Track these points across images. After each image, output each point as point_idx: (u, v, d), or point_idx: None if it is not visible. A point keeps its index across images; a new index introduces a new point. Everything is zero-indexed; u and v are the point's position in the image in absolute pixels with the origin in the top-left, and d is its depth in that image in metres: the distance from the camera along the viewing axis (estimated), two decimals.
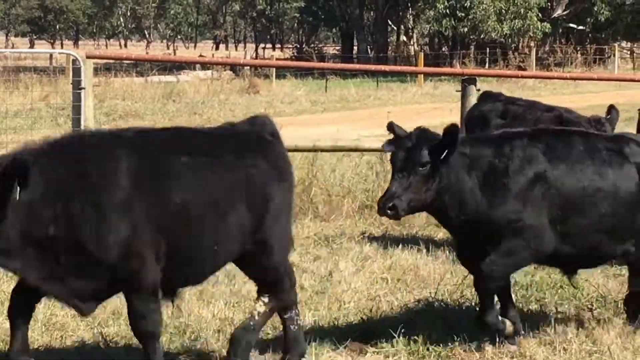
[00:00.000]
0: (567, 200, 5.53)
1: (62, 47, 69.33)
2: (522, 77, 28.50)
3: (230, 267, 5.71)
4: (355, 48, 54.91)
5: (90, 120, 10.73)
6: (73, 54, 12.78)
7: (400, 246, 8.95)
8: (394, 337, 5.84)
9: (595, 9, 46.01)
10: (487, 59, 46.25)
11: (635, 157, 5.80)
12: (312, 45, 64.78)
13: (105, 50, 61.68)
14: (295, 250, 7.76)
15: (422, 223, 9.96)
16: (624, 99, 22.55)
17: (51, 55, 36.82)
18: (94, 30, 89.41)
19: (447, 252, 8.61)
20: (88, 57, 11.57)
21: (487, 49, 46.56)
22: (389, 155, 5.80)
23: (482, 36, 45.29)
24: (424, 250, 8.91)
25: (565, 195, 5.53)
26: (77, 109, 10.71)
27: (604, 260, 6.12)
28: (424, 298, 7.09)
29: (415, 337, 5.84)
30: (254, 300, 5.48)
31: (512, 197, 5.46)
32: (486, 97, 9.79)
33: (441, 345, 5.82)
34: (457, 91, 12.90)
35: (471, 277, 6.03)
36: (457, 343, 5.69)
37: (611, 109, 9.31)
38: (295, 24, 72.17)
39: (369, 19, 55.15)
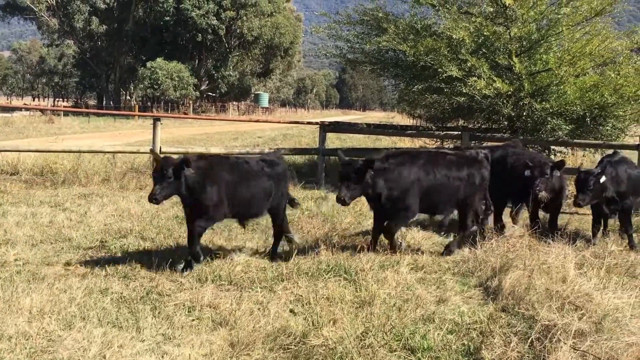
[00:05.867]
0: None
1: None
2: (186, 117, 43.47)
3: None
4: (104, 102, 78.86)
5: None
6: None
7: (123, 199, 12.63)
8: None
9: (219, 86, 77.25)
10: (169, 109, 69.54)
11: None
12: (83, 100, 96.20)
13: None
14: (69, 200, 12.49)
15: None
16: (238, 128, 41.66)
17: None
18: None
19: None
20: None
21: (169, 104, 70.93)
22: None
23: (166, 97, 69.28)
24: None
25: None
26: None
27: None
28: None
29: None
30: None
31: None
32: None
33: None
34: (150, 123, 16.31)
35: None
36: None
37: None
38: (75, 88, 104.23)
39: (110, 88, 79.71)
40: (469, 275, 8.18)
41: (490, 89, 14.67)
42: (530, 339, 5.74)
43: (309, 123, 22.91)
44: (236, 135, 36.46)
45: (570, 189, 12.28)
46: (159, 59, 68.20)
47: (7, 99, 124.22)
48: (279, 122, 36.42)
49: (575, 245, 9.17)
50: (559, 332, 5.68)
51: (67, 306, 6.46)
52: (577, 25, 15.68)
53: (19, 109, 54.10)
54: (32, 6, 73.45)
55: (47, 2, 73.89)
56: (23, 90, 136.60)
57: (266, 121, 34.61)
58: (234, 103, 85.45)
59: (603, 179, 9.66)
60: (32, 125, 38.45)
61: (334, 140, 26.31)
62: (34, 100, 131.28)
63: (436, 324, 6.26)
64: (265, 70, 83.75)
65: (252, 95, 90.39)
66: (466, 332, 6.12)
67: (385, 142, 22.78)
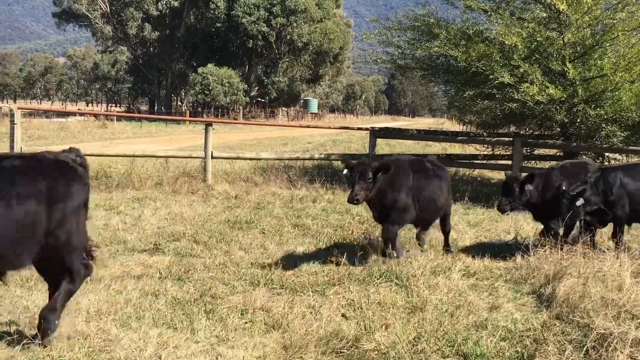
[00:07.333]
0: None
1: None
2: (236, 123, 45.44)
3: None
4: (156, 108, 79.10)
5: (18, 141, 14.17)
6: (10, 107, 16.31)
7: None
8: None
9: (268, 92, 76.31)
10: (219, 114, 69.84)
11: None
12: (135, 105, 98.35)
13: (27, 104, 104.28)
14: (123, 203, 12.51)
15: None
16: (287, 134, 42.50)
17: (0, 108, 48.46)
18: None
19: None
20: (19, 108, 15.33)
21: (219, 109, 71.07)
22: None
23: (216, 103, 69.67)
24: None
25: None
26: (12, 135, 14.25)
27: None
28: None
29: None
30: None
31: None
32: None
33: None
34: (202, 129, 16.46)
35: None
36: None
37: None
38: (127, 94, 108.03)
39: (162, 94, 79.97)
40: (521, 283, 8.07)
41: (543, 95, 14.51)
42: (585, 347, 5.67)
43: (359, 129, 22.96)
44: (286, 140, 36.64)
45: None
46: (209, 65, 69.07)
47: (62, 104, 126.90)
48: (328, 128, 36.65)
49: (631, 254, 9.00)
50: (615, 341, 5.60)
51: (123, 307, 6.58)
52: (633, 30, 15.39)
53: (74, 114, 55.29)
54: (87, 13, 75.04)
55: (102, 9, 75.37)
56: (77, 95, 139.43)
57: (316, 127, 34.77)
58: (284, 109, 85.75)
59: (580, 202, 9.01)
60: (86, 130, 39.20)
61: (383, 147, 26.19)
62: (87, 105, 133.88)
63: (489, 331, 6.22)
64: (315, 76, 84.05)
65: (302, 101, 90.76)
66: (519, 339, 6.06)
67: (435, 148, 22.61)
